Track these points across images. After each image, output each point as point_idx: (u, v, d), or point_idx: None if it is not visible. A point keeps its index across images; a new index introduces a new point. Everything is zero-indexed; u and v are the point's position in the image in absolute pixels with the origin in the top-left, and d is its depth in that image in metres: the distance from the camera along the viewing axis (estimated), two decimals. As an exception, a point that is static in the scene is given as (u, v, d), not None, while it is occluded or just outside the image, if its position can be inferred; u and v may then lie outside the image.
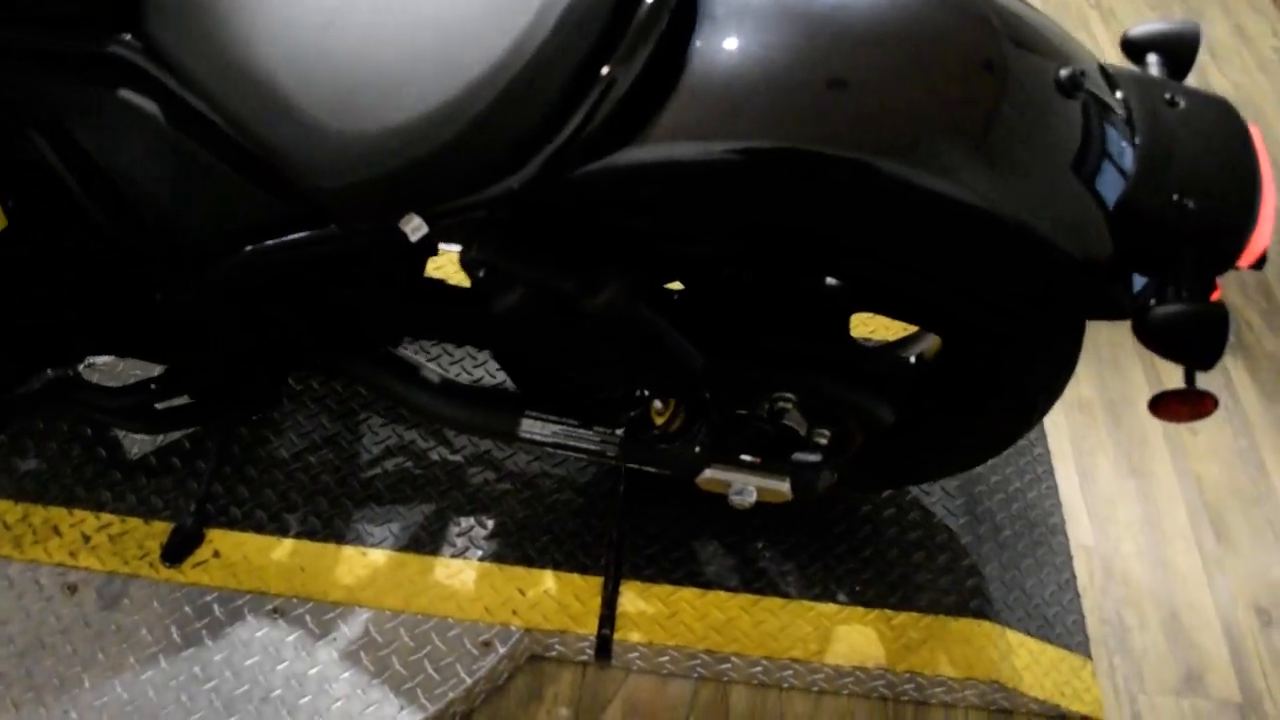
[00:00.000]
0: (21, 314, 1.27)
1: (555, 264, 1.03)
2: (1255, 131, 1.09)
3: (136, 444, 1.65)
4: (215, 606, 1.49)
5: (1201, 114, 1.08)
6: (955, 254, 1.06)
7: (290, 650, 1.46)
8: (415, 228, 1.01)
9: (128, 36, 1.03)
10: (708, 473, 1.32)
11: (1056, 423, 1.92)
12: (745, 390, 1.24)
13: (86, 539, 1.54)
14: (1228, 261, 1.04)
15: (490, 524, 1.60)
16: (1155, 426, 1.93)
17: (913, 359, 1.44)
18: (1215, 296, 1.20)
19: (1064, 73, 1.00)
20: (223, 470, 1.63)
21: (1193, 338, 1.00)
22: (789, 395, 1.27)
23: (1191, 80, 2.65)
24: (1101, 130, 1.03)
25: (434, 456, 1.67)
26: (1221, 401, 1.98)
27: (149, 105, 1.05)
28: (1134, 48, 1.17)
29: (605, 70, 0.93)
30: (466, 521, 1.60)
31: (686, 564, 1.59)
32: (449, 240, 1.08)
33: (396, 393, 1.33)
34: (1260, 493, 1.85)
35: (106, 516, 1.57)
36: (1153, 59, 1.16)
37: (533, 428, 1.32)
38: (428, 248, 1.24)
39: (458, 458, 1.67)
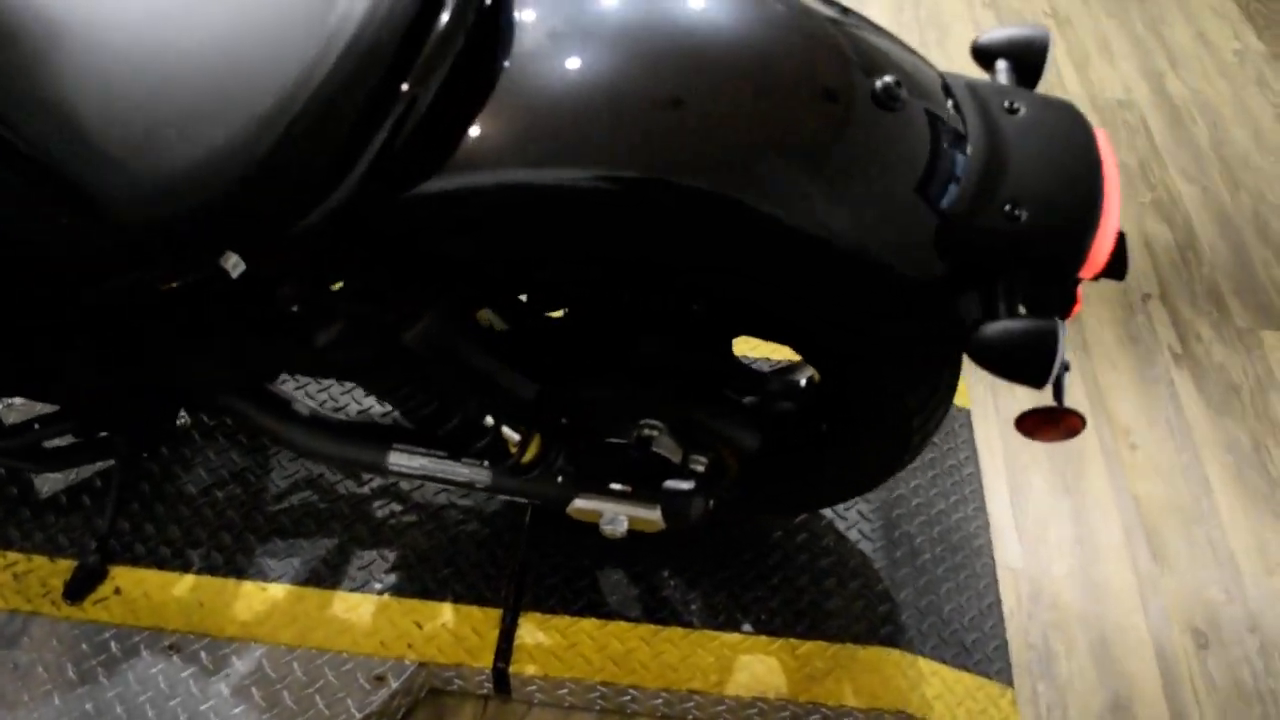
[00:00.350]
0: None
1: (370, 296, 1.02)
2: (1102, 136, 1.06)
3: (47, 483, 1.66)
4: (112, 643, 1.50)
5: (1043, 120, 1.05)
6: (781, 277, 1.03)
7: (184, 686, 1.46)
8: (234, 264, 1.00)
9: None
10: (577, 502, 1.30)
11: (990, 440, 1.88)
12: (601, 418, 1.22)
13: (-9, 578, 1.56)
14: (1066, 273, 1.01)
15: (392, 557, 1.59)
16: (1093, 442, 1.88)
17: (803, 381, 1.41)
18: (1076, 309, 1.17)
19: (878, 84, 0.97)
20: (130, 507, 1.63)
21: (1018, 355, 0.96)
22: (655, 422, 1.25)
23: (1150, 86, 2.60)
24: (928, 142, 1.01)
25: (341, 490, 1.67)
26: (1165, 414, 1.92)
27: None
28: (983, 55, 1.14)
29: (402, 93, 0.92)
30: (368, 554, 1.59)
31: (589, 594, 1.57)
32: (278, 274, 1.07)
33: (267, 428, 1.32)
34: (1202, 511, 1.79)
35: (13, 555, 1.58)
36: (1002, 66, 1.13)
37: (400, 460, 1.31)
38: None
39: (365, 490, 1.67)
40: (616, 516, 1.30)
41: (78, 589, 1.54)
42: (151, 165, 0.95)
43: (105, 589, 1.55)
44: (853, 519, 1.68)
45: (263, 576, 1.57)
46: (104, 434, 1.45)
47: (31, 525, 1.62)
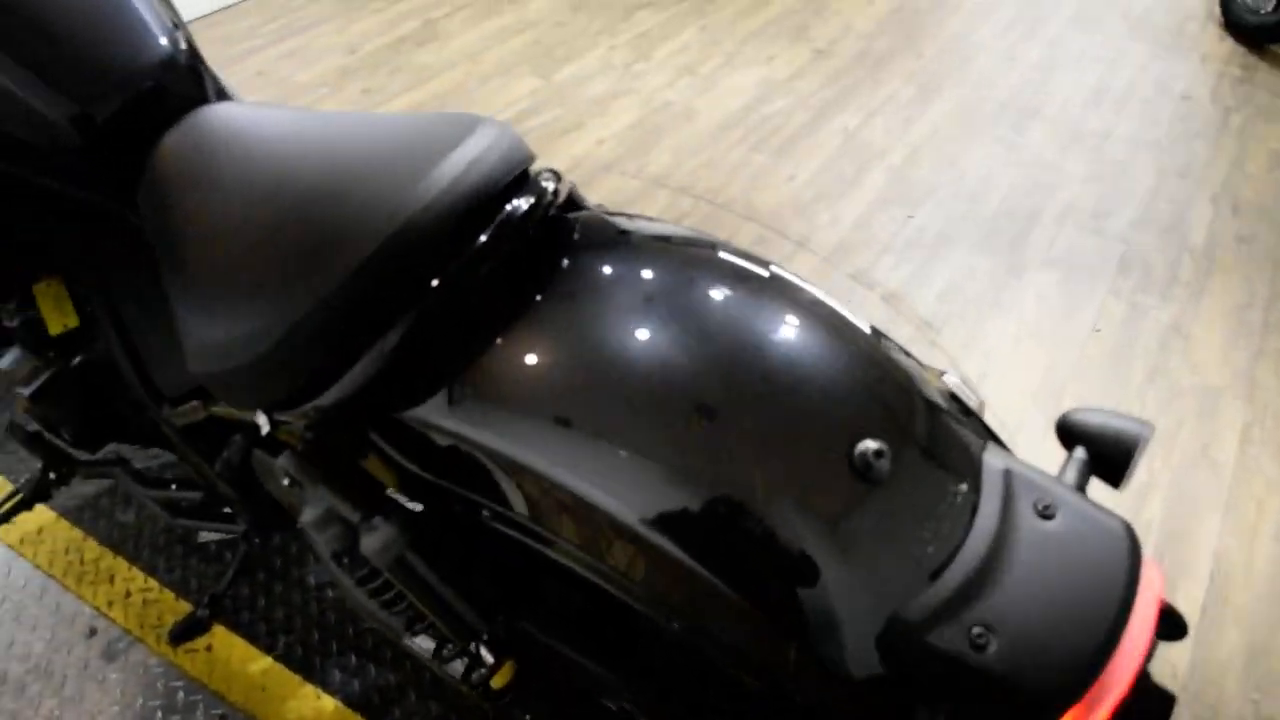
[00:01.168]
0: (96, 402, 1.51)
1: (344, 493, 1.05)
2: (1154, 574, 0.87)
3: (207, 531, 1.85)
4: (180, 693, 1.63)
5: (1076, 536, 0.88)
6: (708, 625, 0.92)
7: (211, 759, 1.56)
8: (263, 423, 1.09)
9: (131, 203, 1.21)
10: (550, 744, 1.25)
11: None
12: (566, 679, 1.17)
13: (127, 595, 1.75)
14: None
15: (434, 711, 1.61)
16: None
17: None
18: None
19: (859, 449, 0.87)
20: (257, 577, 1.78)
21: None
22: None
23: None
24: (903, 528, 0.87)
25: (427, 629, 1.71)
26: None
27: (134, 255, 1.23)
28: (1067, 434, 0.98)
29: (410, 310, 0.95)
30: (418, 702, 1.62)
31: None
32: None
33: (330, 567, 1.39)
34: None
35: (152, 581, 1.78)
36: (1079, 454, 0.97)
37: (415, 642, 1.32)
38: None
39: (446, 638, 1.70)
40: (583, 773, 1.24)
41: (181, 634, 1.69)
42: (214, 329, 1.04)
43: (201, 641, 1.70)
44: None
45: (323, 684, 1.64)
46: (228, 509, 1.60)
47: (178, 562, 1.81)
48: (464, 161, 1.00)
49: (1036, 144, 3.19)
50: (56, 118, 1.16)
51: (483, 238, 0.98)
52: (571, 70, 3.57)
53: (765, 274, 0.99)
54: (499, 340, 0.95)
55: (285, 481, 1.09)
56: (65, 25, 1.17)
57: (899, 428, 0.90)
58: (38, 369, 1.46)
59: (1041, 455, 2.10)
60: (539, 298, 0.98)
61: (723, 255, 1.02)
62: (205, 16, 4.00)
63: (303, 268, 0.98)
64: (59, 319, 1.41)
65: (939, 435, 0.92)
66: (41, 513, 1.89)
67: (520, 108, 3.33)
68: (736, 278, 0.97)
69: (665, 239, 1.05)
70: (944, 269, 2.67)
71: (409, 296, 0.96)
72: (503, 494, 0.94)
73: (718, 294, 0.95)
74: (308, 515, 1.09)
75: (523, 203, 1.01)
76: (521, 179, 1.05)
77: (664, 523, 0.86)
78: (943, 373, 1.17)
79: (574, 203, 1.13)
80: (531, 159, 1.07)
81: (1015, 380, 2.32)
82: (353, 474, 1.06)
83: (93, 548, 1.83)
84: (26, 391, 1.45)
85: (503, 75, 3.53)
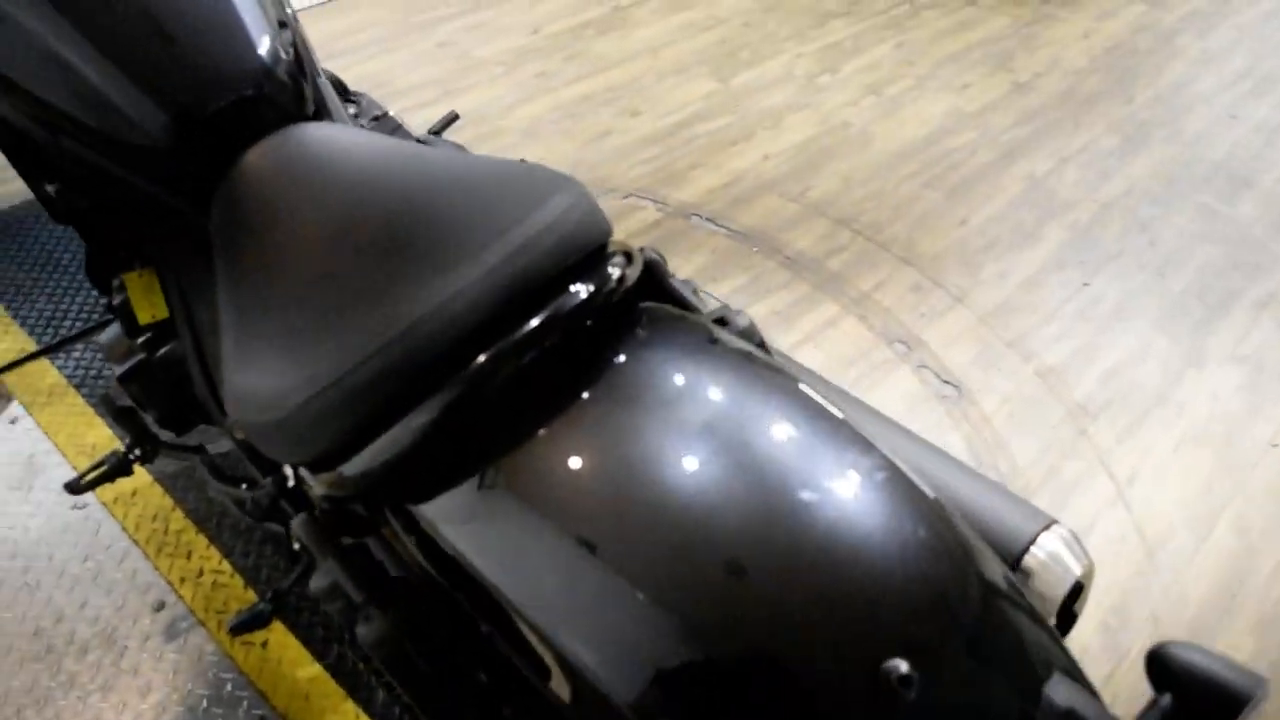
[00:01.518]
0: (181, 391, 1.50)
1: (350, 571, 0.98)
2: None
3: (288, 518, 1.85)
4: (229, 685, 1.62)
5: None
6: None
7: (243, 762, 1.54)
8: (289, 475, 1.04)
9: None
10: None
11: None
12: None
13: (200, 574, 1.76)
14: None
15: (469, 758, 1.55)
16: None
17: None
18: None
19: (886, 667, 0.72)
20: (325, 577, 1.76)
21: None
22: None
23: None
24: None
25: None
26: None
27: (211, 265, 1.20)
28: (1158, 671, 0.81)
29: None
30: (454, 742, 1.57)
31: None
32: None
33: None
34: None
35: (226, 564, 1.78)
36: (1166, 703, 0.79)
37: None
38: None
39: (496, 678, 1.64)
40: None
41: (241, 626, 1.68)
42: (247, 379, 0.98)
43: (259, 636, 1.69)
44: None
45: (365, 705, 1.61)
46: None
47: (254, 548, 1.81)
48: (527, 235, 0.91)
49: (1245, 218, 2.88)
50: (140, 120, 1.13)
51: (534, 322, 0.89)
52: (752, 76, 3.44)
53: (835, 426, 0.86)
54: (524, 443, 0.87)
55: (296, 546, 1.04)
56: (159, 26, 1.14)
57: (940, 648, 0.75)
58: (131, 350, 1.46)
59: (1174, 585, 1.88)
60: (585, 395, 0.88)
61: (800, 390, 0.89)
62: (403, -21, 4.04)
63: (342, 326, 0.91)
64: (148, 309, 1.40)
65: (991, 658, 0.77)
66: (139, 475, 1.92)
67: (691, 110, 3.22)
68: (802, 426, 0.85)
69: (742, 356, 0.93)
70: (1114, 348, 2.43)
71: (444, 374, 0.88)
72: (501, 622, 0.86)
73: (774, 443, 0.83)
74: (315, 583, 1.03)
75: (584, 288, 0.91)
76: (595, 254, 0.96)
77: (657, 712, 0.76)
78: (1051, 523, 1.02)
79: (656, 278, 1.03)
80: (608, 234, 0.97)
81: (1168, 489, 2.09)
82: (363, 551, 0.99)
83: (178, 519, 1.84)
84: (118, 372, 1.46)
85: (680, 74, 3.42)
